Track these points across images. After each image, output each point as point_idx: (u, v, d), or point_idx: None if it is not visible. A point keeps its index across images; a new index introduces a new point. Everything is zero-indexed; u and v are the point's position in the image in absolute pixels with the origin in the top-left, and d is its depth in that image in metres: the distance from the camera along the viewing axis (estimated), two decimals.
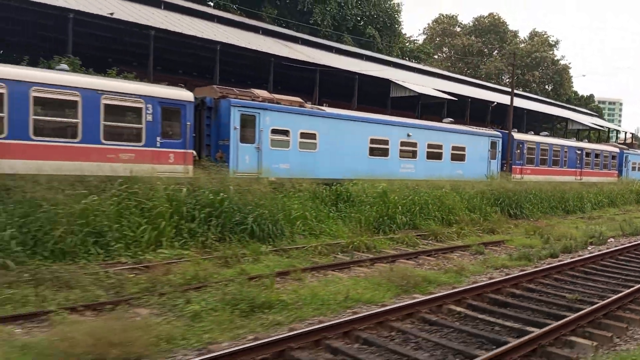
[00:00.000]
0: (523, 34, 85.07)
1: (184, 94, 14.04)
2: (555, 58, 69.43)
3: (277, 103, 16.49)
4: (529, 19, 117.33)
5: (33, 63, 16.66)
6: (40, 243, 9.18)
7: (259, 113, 15.48)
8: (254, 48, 25.99)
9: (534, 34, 71.64)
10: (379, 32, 50.38)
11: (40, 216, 9.31)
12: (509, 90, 49.92)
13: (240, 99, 15.47)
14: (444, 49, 72.62)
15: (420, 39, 66.77)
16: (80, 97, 12.13)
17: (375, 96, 34.49)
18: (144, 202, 10.88)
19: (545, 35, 70.98)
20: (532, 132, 36.03)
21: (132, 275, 8.77)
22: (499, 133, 24.51)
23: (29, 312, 6.77)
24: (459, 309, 7.76)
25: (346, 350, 6.05)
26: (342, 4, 46.83)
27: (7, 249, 8.79)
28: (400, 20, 52.30)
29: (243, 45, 25.60)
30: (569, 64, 79.40)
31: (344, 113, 18.61)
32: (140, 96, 13.13)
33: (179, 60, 28.63)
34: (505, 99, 37.44)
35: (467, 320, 7.40)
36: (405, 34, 59.14)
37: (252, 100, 15.85)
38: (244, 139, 15.18)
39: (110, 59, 24.07)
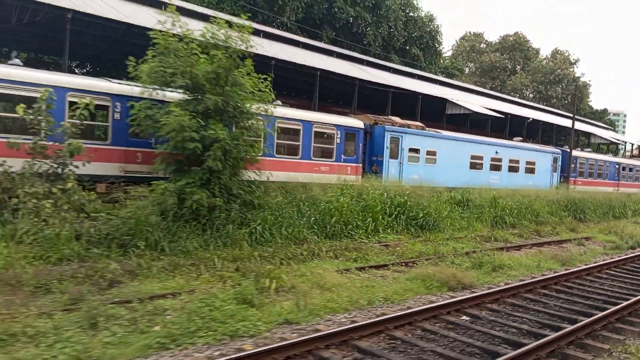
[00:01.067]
0: (544, 51, 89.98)
1: (358, 123, 18.86)
2: (576, 75, 74.35)
3: (408, 127, 21.29)
4: (549, 33, 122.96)
5: None
6: (320, 228, 13.87)
7: (401, 136, 20.29)
8: (345, 73, 30.74)
9: (555, 52, 76.58)
10: (422, 51, 55.30)
11: (322, 209, 14.05)
12: (530, 104, 54.85)
13: (387, 124, 20.27)
14: (469, 64, 77.60)
15: (448, 54, 71.80)
16: (301, 127, 16.89)
17: (431, 113, 39.26)
18: (363, 201, 15.62)
19: (566, 54, 75.93)
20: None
21: (383, 248, 13.49)
22: (559, 150, 29.34)
23: (379, 264, 11.50)
24: (612, 271, 12.57)
25: (565, 289, 10.80)
26: (392, 27, 51.76)
27: (303, 231, 13.51)
28: (440, 40, 57.34)
29: (339, 71, 30.34)
30: (589, 81, 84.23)
31: (454, 135, 23.47)
32: (334, 125, 17.92)
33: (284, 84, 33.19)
34: (526, 113, 42.41)
35: (616, 278, 12.16)
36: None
37: (393, 125, 20.65)
38: (391, 156, 19.98)
39: None
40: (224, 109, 12.12)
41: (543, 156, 27.84)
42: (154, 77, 12.16)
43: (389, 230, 15.44)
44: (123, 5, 23.25)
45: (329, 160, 17.93)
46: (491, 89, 66.33)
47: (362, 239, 14.25)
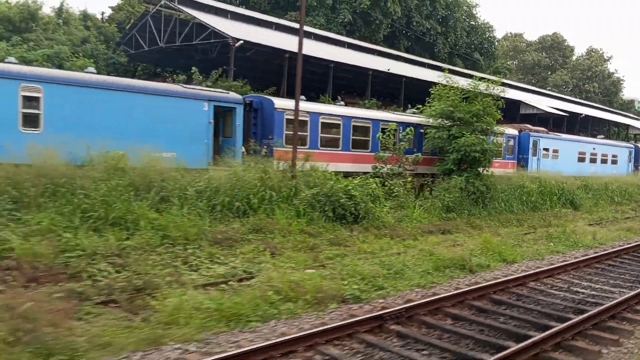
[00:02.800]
0: (578, 49, 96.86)
1: (515, 131, 26.48)
2: (611, 71, 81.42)
3: (537, 132, 28.89)
4: (582, 29, 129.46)
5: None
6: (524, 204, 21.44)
7: (538, 139, 27.93)
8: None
9: (590, 50, 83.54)
10: (482, 55, 62.66)
11: (520, 192, 21.67)
12: (573, 99, 62.20)
13: (527, 131, 27.89)
14: (509, 63, 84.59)
15: None
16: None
17: (506, 113, 46.70)
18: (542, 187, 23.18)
19: (600, 52, 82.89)
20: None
21: (573, 217, 21.12)
22: (632, 145, 36.90)
23: (597, 221, 19.20)
24: None
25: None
26: (459, 36, 59.15)
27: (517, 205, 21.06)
28: (497, 46, 64.61)
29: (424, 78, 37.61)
30: (622, 77, 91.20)
31: (568, 136, 31.11)
32: (510, 135, 25.49)
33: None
34: (573, 108, 49.84)
35: None
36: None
37: (530, 131, 28.27)
38: (533, 154, 27.62)
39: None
40: (483, 130, 19.83)
41: (622, 150, 35.40)
42: (434, 113, 19.87)
43: (557, 206, 23.08)
44: (315, 44, 31.05)
45: (509, 159, 25.61)
46: (532, 85, 73.49)
47: (546, 210, 21.92)
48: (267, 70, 32.65)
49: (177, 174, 12.95)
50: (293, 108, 15.65)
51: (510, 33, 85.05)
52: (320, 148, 18.74)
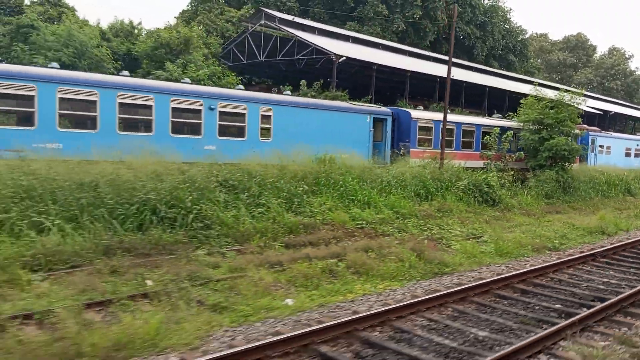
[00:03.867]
0: (600, 48, 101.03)
1: (578, 131, 31.28)
2: (632, 69, 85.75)
3: (593, 131, 33.63)
4: (604, 28, 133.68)
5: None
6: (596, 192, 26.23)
7: (596, 137, 32.71)
8: (482, 83, 42.90)
9: (612, 49, 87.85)
10: (516, 57, 67.27)
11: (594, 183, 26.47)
12: (599, 96, 66.66)
13: (586, 130, 32.66)
14: (537, 61, 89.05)
15: None
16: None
17: None
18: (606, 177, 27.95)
19: (622, 51, 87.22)
20: None
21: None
22: None
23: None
24: None
25: None
26: (496, 39, 63.74)
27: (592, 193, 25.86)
28: (530, 48, 69.14)
29: (474, 82, 42.48)
30: None
31: (618, 135, 35.87)
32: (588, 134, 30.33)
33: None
34: (599, 105, 54.34)
35: None
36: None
37: (587, 131, 33.05)
38: (591, 150, 32.41)
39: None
40: (567, 133, 24.66)
41: None
42: (527, 119, 24.69)
43: (619, 194, 27.83)
44: (394, 57, 35.94)
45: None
46: (558, 82, 78.03)
47: (612, 197, 26.69)
48: (353, 80, 37.52)
49: (369, 169, 17.85)
50: (424, 117, 20.76)
51: (536, 33, 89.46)
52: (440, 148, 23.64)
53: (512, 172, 23.42)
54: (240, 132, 17.77)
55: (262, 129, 18.17)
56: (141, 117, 15.83)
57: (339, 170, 16.29)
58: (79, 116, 14.84)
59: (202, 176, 12.53)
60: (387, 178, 17.44)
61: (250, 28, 37.15)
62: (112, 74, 23.75)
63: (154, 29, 28.99)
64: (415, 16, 52.54)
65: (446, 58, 51.57)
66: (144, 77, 23.60)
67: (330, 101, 21.68)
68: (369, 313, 7.06)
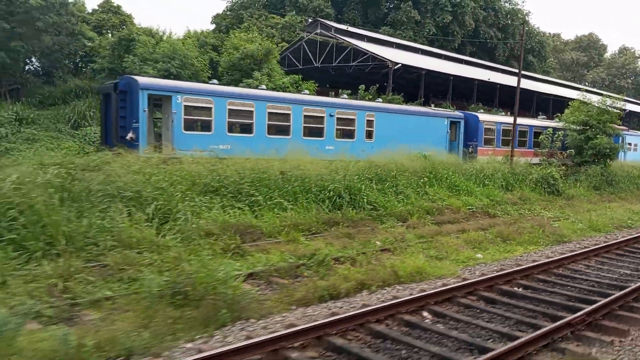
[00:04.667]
0: (611, 47, 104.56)
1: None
2: None
3: (622, 130, 37.22)
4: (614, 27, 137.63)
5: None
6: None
7: (625, 135, 36.31)
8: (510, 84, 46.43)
9: (623, 49, 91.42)
10: (535, 58, 70.83)
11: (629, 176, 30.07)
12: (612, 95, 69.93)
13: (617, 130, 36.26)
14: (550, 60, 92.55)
15: None
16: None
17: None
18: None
19: (632, 50, 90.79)
20: None
21: None
22: None
23: None
24: None
25: None
26: (516, 42, 67.23)
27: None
28: (548, 49, 72.68)
29: (505, 83, 46.01)
30: None
31: None
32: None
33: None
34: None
35: None
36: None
37: (628, 130, 36.64)
38: (621, 147, 36.01)
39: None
40: (609, 133, 28.26)
41: None
42: (576, 121, 28.28)
43: None
44: (434, 61, 39.53)
45: None
46: (570, 81, 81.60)
47: None
48: (397, 83, 41.07)
49: (459, 165, 21.43)
50: (489, 120, 24.50)
51: (549, 33, 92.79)
52: (501, 146, 27.28)
53: (563, 167, 27.02)
54: (350, 134, 21.37)
55: (367, 131, 21.77)
56: (282, 123, 19.42)
57: (440, 165, 19.88)
58: (241, 123, 18.43)
59: (358, 171, 16.12)
60: (474, 172, 21.02)
61: (306, 36, 40.68)
62: (205, 82, 27.26)
63: (232, 39, 32.40)
64: (445, 21, 56.05)
65: (477, 61, 55.27)
66: (228, 84, 27.06)
67: (416, 107, 25.32)
68: (535, 264, 10.51)
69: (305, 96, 21.39)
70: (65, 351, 5.43)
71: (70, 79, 32.90)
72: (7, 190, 9.32)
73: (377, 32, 51.24)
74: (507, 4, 68.77)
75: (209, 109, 17.40)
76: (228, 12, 56.59)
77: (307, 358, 5.99)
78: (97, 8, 45.67)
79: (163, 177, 12.28)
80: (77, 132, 26.37)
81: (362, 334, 6.73)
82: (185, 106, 16.88)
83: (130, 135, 16.04)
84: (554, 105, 47.17)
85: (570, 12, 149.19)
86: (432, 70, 37.10)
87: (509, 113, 38.63)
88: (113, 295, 7.34)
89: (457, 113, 25.78)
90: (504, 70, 55.75)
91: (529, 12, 71.53)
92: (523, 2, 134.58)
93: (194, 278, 7.40)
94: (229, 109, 17.78)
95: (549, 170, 23.07)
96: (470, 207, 17.49)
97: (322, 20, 41.51)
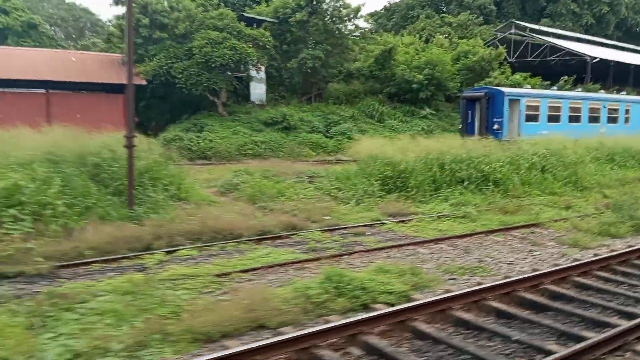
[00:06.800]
0: None
1: None
2: None
3: None
4: None
5: None
6: None
7: None
8: None
9: None
10: None
11: None
12: None
13: None
14: None
15: None
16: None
17: None
18: None
19: None
20: None
21: None
22: None
23: None
24: None
25: None
26: None
27: None
28: None
29: None
30: None
31: None
32: None
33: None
34: None
35: None
36: None
37: None
38: None
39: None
40: None
41: None
42: None
43: None
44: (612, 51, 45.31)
45: None
46: None
47: None
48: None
49: None
50: None
51: None
52: None
53: None
54: (615, 120, 28.77)
55: (625, 118, 29.02)
56: (575, 114, 27.10)
57: None
58: (551, 115, 26.30)
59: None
60: None
61: (499, 35, 47.82)
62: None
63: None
64: (602, 11, 60.84)
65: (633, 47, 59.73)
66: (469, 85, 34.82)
67: None
68: None
69: (589, 93, 29.00)
70: None
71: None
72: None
73: (536, 23, 57.10)
74: None
75: (537, 107, 25.40)
76: (382, 12, 64.28)
77: None
78: None
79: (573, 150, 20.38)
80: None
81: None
82: (526, 105, 25.00)
83: (496, 127, 24.34)
84: None
85: None
86: (620, 62, 43.07)
87: None
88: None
89: None
90: None
91: None
92: None
93: None
94: (548, 105, 25.70)
95: None
96: None
97: (516, 22, 48.40)
